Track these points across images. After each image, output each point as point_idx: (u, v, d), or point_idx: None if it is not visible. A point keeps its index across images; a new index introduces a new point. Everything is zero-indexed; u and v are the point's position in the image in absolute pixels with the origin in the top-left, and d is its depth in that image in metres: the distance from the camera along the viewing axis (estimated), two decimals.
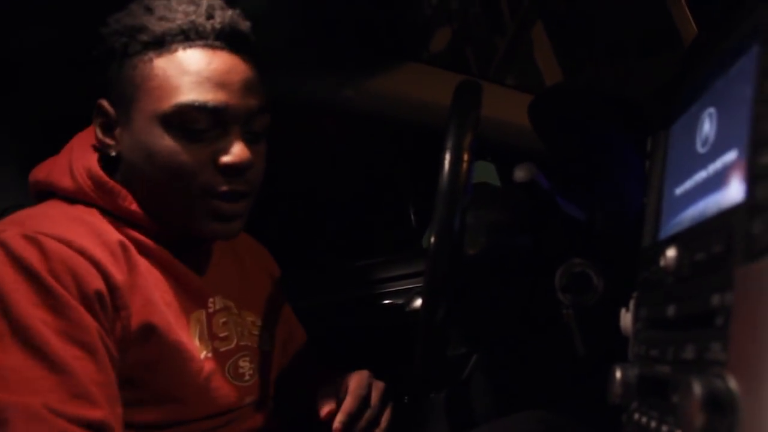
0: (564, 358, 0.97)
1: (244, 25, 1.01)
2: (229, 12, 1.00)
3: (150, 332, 0.93)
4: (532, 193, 0.91)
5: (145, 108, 0.96)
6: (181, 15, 0.96)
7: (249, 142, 0.99)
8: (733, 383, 0.43)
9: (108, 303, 0.90)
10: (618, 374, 0.65)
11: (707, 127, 0.60)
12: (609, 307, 0.77)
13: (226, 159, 0.96)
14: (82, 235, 0.91)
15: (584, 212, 0.98)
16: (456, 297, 0.86)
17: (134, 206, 0.99)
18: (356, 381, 1.07)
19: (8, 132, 1.45)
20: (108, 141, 1.00)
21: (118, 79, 0.98)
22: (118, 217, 0.98)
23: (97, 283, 0.88)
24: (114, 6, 1.00)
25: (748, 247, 0.44)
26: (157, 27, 0.96)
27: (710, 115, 0.60)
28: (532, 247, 0.96)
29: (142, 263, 0.97)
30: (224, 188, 0.97)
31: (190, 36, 0.96)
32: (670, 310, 0.57)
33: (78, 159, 1.01)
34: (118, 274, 0.91)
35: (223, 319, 1.06)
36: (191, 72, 0.95)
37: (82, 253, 0.89)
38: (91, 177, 0.98)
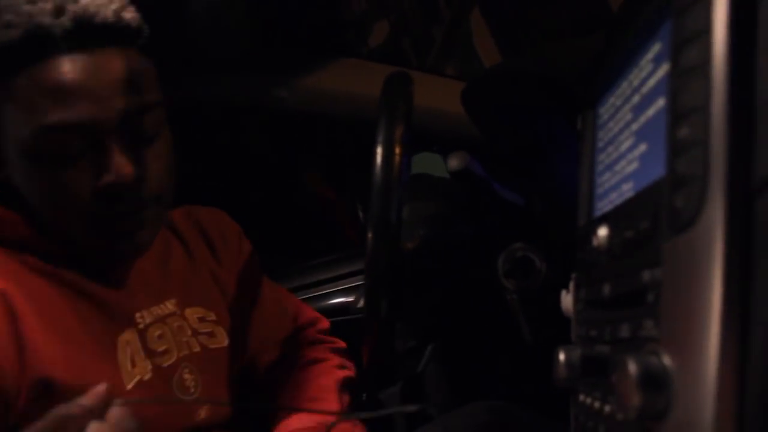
0: (512, 344, 0.97)
1: (108, 10, 0.84)
2: (72, 10, 0.82)
3: (48, 386, 0.83)
4: (468, 182, 0.91)
5: (11, 138, 0.84)
6: (25, 17, 0.80)
7: (139, 147, 0.87)
8: (666, 359, 0.42)
9: None
10: (562, 356, 0.64)
11: (632, 103, 0.60)
12: (553, 290, 0.77)
13: (104, 180, 0.84)
14: None
15: (523, 196, 0.98)
16: (400, 291, 0.85)
17: (29, 232, 0.89)
18: None
19: None
20: None
21: None
22: (18, 246, 0.89)
23: None
24: None
25: (672, 221, 0.44)
26: (3, 37, 0.80)
27: (634, 91, 0.60)
28: (472, 236, 0.96)
29: (39, 298, 0.86)
30: (112, 211, 0.86)
31: (37, 43, 0.81)
32: (606, 290, 0.57)
33: None
34: None
35: (158, 332, 0.97)
36: (46, 87, 0.81)
37: None
38: None
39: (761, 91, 0.40)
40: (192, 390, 0.99)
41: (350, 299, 1.62)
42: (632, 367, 0.43)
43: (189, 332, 1.02)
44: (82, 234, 0.89)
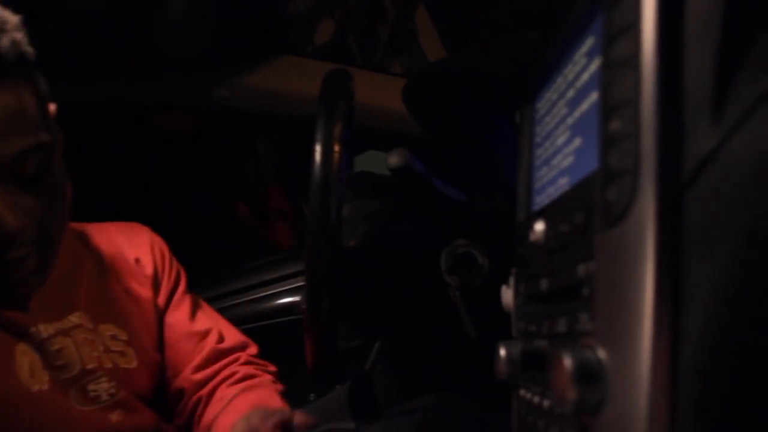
0: (456, 340, 0.97)
1: None
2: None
3: None
4: (408, 178, 0.91)
5: None
6: None
7: (20, 192, 0.83)
8: (601, 353, 0.42)
9: None
10: (502, 352, 0.64)
11: (567, 98, 0.60)
12: (496, 286, 0.77)
13: None
14: None
15: (464, 193, 0.98)
16: (341, 290, 0.84)
17: None
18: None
19: None
20: None
21: None
22: None
23: None
24: None
25: (605, 214, 0.44)
26: None
27: (569, 85, 0.60)
28: (414, 233, 0.95)
29: None
30: None
31: None
32: (543, 284, 0.57)
33: None
34: None
35: (57, 346, 0.96)
36: None
37: None
38: None
39: (688, 84, 0.40)
40: (104, 398, 0.98)
41: (296, 299, 1.61)
42: (567, 362, 0.43)
43: (101, 348, 1.01)
44: None
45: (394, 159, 0.87)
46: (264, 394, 1.10)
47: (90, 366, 0.98)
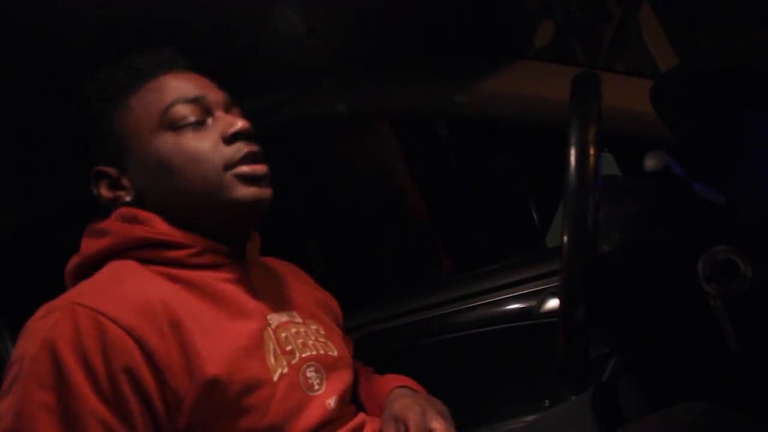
0: (715, 352, 0.91)
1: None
2: (167, 49, 1.13)
3: (212, 385, 0.93)
4: (666, 182, 0.87)
5: (141, 132, 1.06)
6: (132, 63, 1.10)
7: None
8: None
9: (144, 373, 0.90)
10: None
11: None
12: (762, 295, 0.73)
13: (232, 129, 1.05)
14: (120, 300, 0.93)
15: (723, 197, 0.93)
16: (594, 295, 0.83)
17: (168, 227, 1.04)
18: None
19: None
20: (120, 193, 1.07)
21: (105, 135, 1.08)
22: (162, 250, 1.03)
23: (128, 357, 0.89)
24: None
25: None
26: (117, 77, 1.08)
27: None
28: (670, 239, 0.91)
29: (191, 308, 0.98)
30: (243, 152, 1.04)
31: (145, 72, 1.09)
32: None
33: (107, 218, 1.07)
34: (156, 337, 0.92)
35: (284, 334, 1.08)
36: (162, 88, 1.07)
37: (115, 321, 0.90)
38: (123, 217, 1.05)
39: None
40: (316, 387, 1.07)
41: (530, 304, 1.60)
42: None
43: (312, 338, 1.13)
44: (217, 186, 1.04)
45: (653, 162, 0.83)
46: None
47: (304, 354, 1.09)
